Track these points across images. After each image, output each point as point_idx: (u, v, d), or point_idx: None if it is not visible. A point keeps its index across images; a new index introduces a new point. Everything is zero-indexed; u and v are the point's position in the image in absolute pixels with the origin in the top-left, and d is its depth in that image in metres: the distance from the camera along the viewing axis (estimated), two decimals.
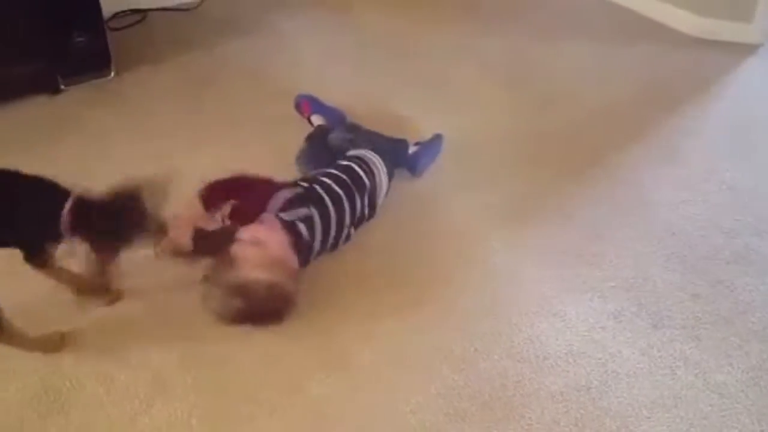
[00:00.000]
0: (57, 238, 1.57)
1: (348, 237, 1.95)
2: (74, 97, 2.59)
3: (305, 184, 1.92)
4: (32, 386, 1.58)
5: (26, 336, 1.62)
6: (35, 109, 2.51)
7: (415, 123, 2.43)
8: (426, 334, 1.72)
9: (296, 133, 2.28)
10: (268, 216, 1.80)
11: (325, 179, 1.94)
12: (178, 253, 1.74)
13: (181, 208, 1.76)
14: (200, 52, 2.89)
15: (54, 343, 1.67)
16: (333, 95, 2.45)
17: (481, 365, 1.63)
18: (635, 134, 2.42)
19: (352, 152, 2.10)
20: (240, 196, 1.83)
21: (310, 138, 2.26)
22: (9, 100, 2.49)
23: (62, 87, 2.60)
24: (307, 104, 2.42)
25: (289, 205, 1.83)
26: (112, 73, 2.70)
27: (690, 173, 2.24)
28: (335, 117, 2.39)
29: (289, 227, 1.79)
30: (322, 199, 1.88)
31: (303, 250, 1.80)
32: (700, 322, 1.73)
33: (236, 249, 1.68)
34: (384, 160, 2.08)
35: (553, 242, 1.99)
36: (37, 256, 1.64)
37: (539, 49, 2.95)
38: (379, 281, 1.86)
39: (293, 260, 1.75)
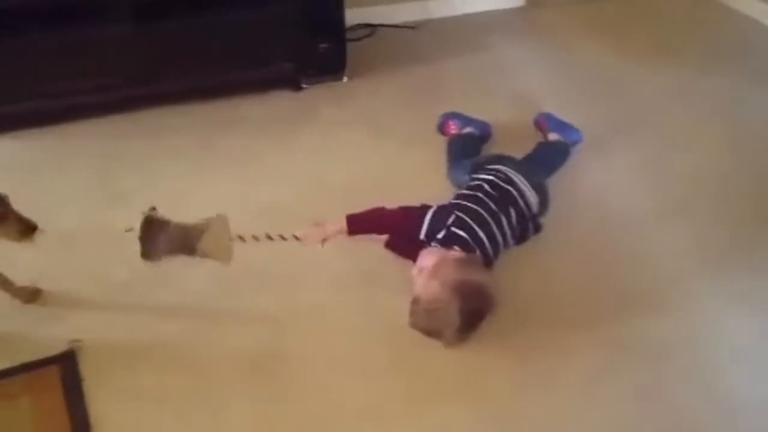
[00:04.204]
0: None
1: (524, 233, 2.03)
2: (312, 94, 2.97)
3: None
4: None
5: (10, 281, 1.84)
6: (280, 101, 2.92)
7: (631, 159, 2.52)
8: (615, 364, 1.78)
9: (499, 145, 2.48)
10: (427, 251, 1.87)
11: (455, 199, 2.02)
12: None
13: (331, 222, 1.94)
14: (422, 65, 3.17)
15: (31, 294, 1.87)
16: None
17: (672, 403, 1.67)
18: None
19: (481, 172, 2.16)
20: (383, 230, 1.97)
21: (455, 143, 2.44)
22: (262, 91, 2.93)
23: (303, 85, 2.99)
24: (452, 124, 2.57)
25: (433, 223, 1.89)
26: (345, 78, 3.06)
27: None
28: (484, 127, 2.56)
29: (451, 240, 1.85)
30: (458, 204, 1.96)
31: (478, 247, 1.87)
32: None
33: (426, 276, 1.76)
34: (528, 173, 2.14)
35: (759, 289, 1.99)
36: None
37: (760, 91, 2.93)
38: (569, 306, 1.94)
39: (478, 262, 1.83)
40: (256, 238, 1.90)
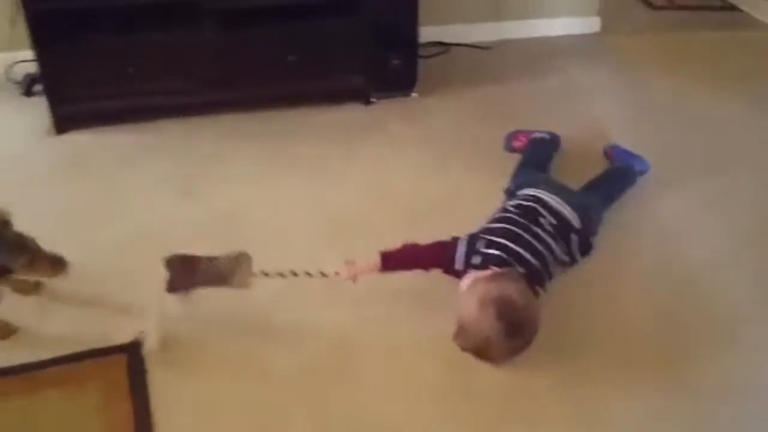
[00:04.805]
0: None
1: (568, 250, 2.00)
2: (381, 109, 3.02)
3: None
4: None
5: None
6: (350, 114, 2.98)
7: (701, 193, 2.48)
8: (678, 404, 1.73)
9: (565, 170, 2.48)
10: (466, 276, 1.86)
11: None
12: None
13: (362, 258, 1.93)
14: (493, 86, 3.20)
15: (6, 329, 1.83)
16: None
17: None
18: None
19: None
20: (417, 266, 1.94)
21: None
22: (332, 103, 3.00)
23: (373, 100, 3.06)
24: (520, 135, 2.63)
25: (467, 252, 1.89)
26: (415, 94, 3.10)
27: None
28: (553, 134, 2.60)
29: (487, 262, 1.85)
30: (485, 228, 1.97)
31: (516, 261, 1.85)
32: None
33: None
34: (564, 192, 2.14)
35: None
36: None
37: None
38: (632, 339, 1.91)
39: (513, 274, 1.80)
40: (281, 274, 1.90)
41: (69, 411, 1.69)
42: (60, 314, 1.79)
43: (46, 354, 1.81)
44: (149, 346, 1.79)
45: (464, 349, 1.77)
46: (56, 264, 1.77)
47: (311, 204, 2.41)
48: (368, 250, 1.96)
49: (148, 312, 1.81)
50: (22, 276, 1.74)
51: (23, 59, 2.93)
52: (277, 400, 1.73)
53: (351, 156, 2.68)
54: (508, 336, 1.70)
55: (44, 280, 1.93)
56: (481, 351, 1.75)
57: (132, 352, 1.81)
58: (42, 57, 2.62)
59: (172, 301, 1.83)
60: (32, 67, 2.83)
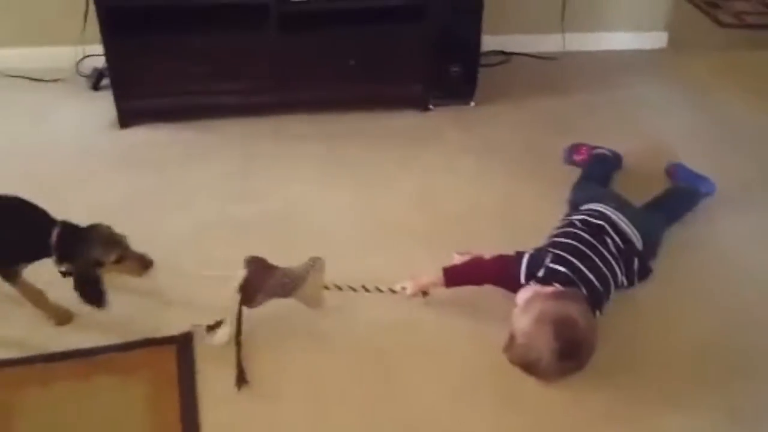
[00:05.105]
0: (35, 259, 1.78)
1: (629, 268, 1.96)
2: (439, 116, 3.01)
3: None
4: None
5: (46, 298, 1.87)
6: (407, 121, 2.97)
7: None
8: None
9: (626, 187, 2.43)
10: (524, 288, 1.83)
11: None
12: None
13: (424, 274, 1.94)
14: (554, 98, 3.15)
15: (65, 315, 1.90)
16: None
17: None
18: None
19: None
20: (481, 281, 1.92)
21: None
22: (390, 108, 3.00)
23: (431, 107, 3.04)
24: (582, 148, 2.59)
25: (531, 265, 1.86)
26: (473, 103, 3.08)
27: None
28: (615, 152, 2.55)
29: (551, 277, 1.82)
30: (552, 242, 1.94)
31: (582, 282, 1.82)
32: None
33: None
34: (627, 210, 2.09)
35: None
36: (12, 272, 1.83)
37: None
38: (687, 361, 1.87)
39: (575, 296, 1.77)
40: (352, 288, 1.93)
41: (118, 398, 1.73)
42: (116, 302, 1.83)
43: (101, 340, 1.85)
44: (219, 338, 1.81)
45: (513, 362, 1.74)
46: (143, 262, 1.82)
47: (364, 208, 2.41)
48: (421, 259, 1.96)
49: (227, 307, 1.82)
50: (111, 272, 1.80)
51: (92, 53, 3.03)
52: (323, 400, 1.73)
53: (406, 162, 2.68)
54: (563, 357, 1.67)
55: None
56: (531, 367, 1.72)
57: (182, 343, 1.84)
58: (110, 53, 2.69)
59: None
60: (100, 62, 2.92)
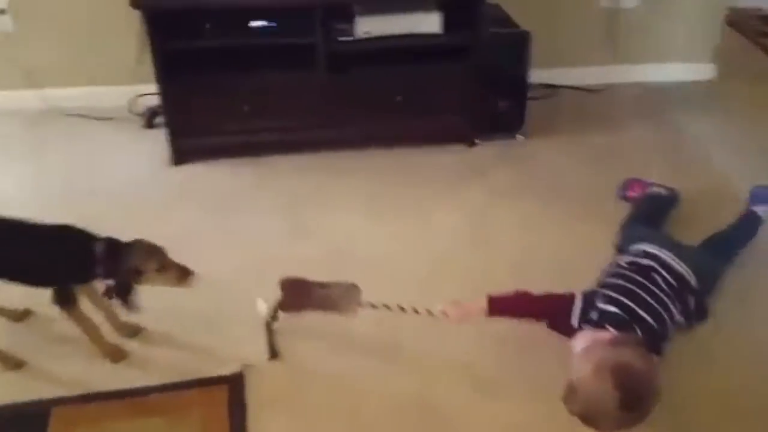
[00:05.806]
0: (86, 279, 1.85)
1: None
2: (485, 151, 3.00)
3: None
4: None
5: (101, 334, 1.92)
6: (452, 155, 2.97)
7: None
8: None
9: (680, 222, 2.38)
10: (581, 334, 1.80)
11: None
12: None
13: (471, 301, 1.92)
14: (602, 131, 3.13)
15: (118, 353, 1.94)
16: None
17: None
18: None
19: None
20: (525, 316, 1.91)
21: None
22: (436, 143, 3.01)
23: (477, 141, 3.04)
24: (636, 184, 2.55)
25: (585, 307, 1.83)
26: (520, 137, 3.07)
27: None
28: (671, 190, 2.51)
29: (604, 320, 1.79)
30: (602, 283, 1.91)
31: (635, 321, 1.78)
32: None
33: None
34: (679, 249, 2.05)
35: None
36: (66, 296, 1.86)
37: None
38: (746, 408, 1.83)
39: (634, 341, 1.72)
40: (387, 307, 1.93)
41: None
42: (168, 340, 1.86)
43: (154, 379, 1.88)
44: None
45: (573, 413, 1.68)
46: (184, 272, 1.85)
47: (409, 244, 2.42)
48: (462, 296, 1.95)
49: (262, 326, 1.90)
50: (151, 281, 1.83)
51: (145, 92, 3.11)
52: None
53: (452, 198, 2.68)
54: (625, 408, 1.59)
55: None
56: (591, 418, 1.64)
57: (234, 384, 1.86)
58: (164, 92, 2.77)
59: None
60: (153, 101, 2.99)
